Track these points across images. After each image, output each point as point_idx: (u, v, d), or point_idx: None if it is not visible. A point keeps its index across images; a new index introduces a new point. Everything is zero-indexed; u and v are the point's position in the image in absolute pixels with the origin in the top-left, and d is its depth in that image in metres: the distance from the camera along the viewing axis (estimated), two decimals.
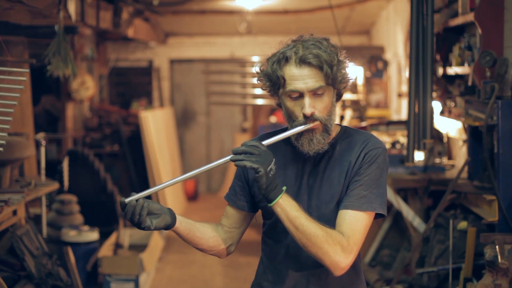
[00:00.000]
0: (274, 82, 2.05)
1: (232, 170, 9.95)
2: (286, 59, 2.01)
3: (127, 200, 1.96)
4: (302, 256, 2.09)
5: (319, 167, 2.10)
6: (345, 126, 2.18)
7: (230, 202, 2.24)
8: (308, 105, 2.00)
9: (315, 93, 2.01)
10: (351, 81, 2.11)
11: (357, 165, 2.05)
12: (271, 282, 2.17)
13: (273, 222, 2.14)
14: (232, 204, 2.23)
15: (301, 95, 2.01)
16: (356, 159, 2.06)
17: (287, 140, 2.09)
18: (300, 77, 1.99)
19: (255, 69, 2.14)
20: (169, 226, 2.05)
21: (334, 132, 2.13)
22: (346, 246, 1.95)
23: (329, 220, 2.05)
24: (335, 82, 2.03)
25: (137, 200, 1.96)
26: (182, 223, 2.11)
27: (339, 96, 2.14)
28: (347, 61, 2.08)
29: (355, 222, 2.00)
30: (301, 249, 2.04)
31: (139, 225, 1.98)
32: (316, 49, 1.99)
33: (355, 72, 2.18)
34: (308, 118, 2.01)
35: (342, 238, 1.96)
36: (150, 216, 2.00)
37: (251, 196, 2.21)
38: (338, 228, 2.00)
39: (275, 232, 2.14)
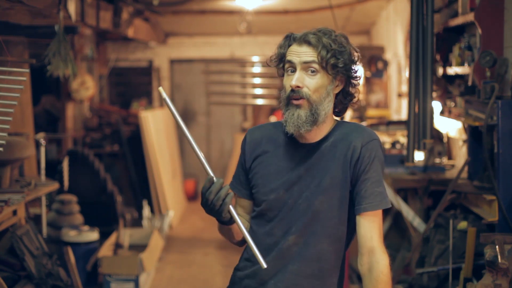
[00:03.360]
0: (279, 59, 2.13)
1: (232, 170, 9.95)
2: (293, 39, 2.10)
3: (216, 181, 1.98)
4: (284, 246, 2.11)
5: (312, 159, 2.12)
6: (341, 121, 2.21)
7: (235, 191, 2.26)
8: (296, 78, 2.06)
9: (307, 70, 2.05)
10: (354, 77, 2.12)
11: (354, 159, 2.08)
12: (250, 266, 2.20)
13: (261, 210, 2.17)
14: (238, 193, 2.26)
15: (295, 70, 2.07)
16: (352, 154, 2.08)
17: (280, 130, 2.17)
18: (297, 53, 2.07)
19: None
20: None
21: (330, 125, 2.16)
22: (387, 265, 2.04)
23: (318, 212, 2.08)
24: (327, 66, 2.05)
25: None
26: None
27: (347, 98, 2.15)
28: (355, 60, 2.11)
29: (378, 222, 2.07)
30: (283, 239, 2.10)
31: (220, 212, 2.00)
32: (321, 34, 2.06)
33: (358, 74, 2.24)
34: (293, 92, 2.06)
35: (383, 269, 2.03)
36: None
37: None
38: (364, 238, 2.06)
39: (261, 219, 2.17)
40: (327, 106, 2.09)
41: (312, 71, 2.05)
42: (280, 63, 2.13)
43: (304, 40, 2.06)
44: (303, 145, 2.14)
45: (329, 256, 2.12)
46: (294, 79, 2.05)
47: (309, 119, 2.06)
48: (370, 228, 2.06)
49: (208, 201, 1.99)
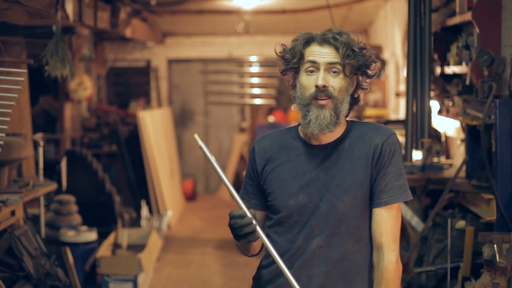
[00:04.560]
0: (293, 56, 2.10)
1: (230, 170, 9.95)
2: (312, 39, 2.09)
3: (246, 216, 1.96)
4: (308, 250, 2.10)
5: (330, 161, 2.11)
6: (352, 121, 2.21)
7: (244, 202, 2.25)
8: (322, 78, 2.04)
9: (331, 70, 2.05)
10: (366, 80, 2.15)
11: (375, 157, 2.09)
12: (275, 276, 2.17)
13: (281, 217, 2.14)
14: (246, 204, 2.24)
15: (316, 70, 2.06)
16: (374, 152, 2.09)
17: (295, 134, 2.16)
18: (320, 53, 2.06)
19: (278, 47, 2.17)
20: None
21: (344, 126, 2.16)
22: (397, 262, 2.07)
23: (342, 213, 2.08)
24: (349, 66, 2.06)
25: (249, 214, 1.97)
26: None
27: (355, 101, 2.17)
28: (371, 61, 2.11)
29: (395, 217, 2.09)
30: (306, 243, 2.09)
31: (247, 235, 1.98)
32: (342, 34, 2.07)
33: (375, 73, 2.31)
34: (319, 91, 2.05)
35: (392, 267, 2.06)
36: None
37: (263, 193, 2.21)
38: (375, 233, 2.09)
39: (281, 226, 2.15)
40: (346, 106, 2.11)
41: (335, 72, 2.06)
42: (294, 60, 2.10)
43: (326, 40, 2.05)
44: (318, 147, 2.13)
45: (354, 256, 2.11)
46: (320, 79, 2.04)
47: (333, 119, 2.06)
48: (381, 224, 2.09)
49: (233, 229, 1.99)
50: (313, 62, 2.05)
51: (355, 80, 2.13)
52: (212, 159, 1.96)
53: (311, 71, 2.07)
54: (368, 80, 2.15)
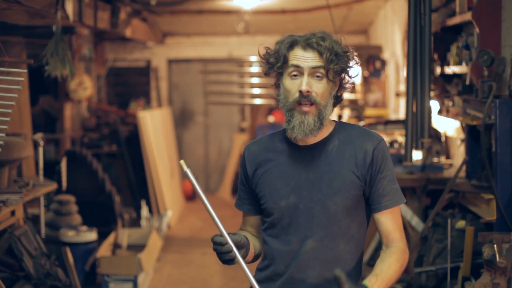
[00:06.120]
0: (277, 60, 2.09)
1: (230, 170, 9.96)
2: (295, 42, 2.08)
3: (226, 244, 2.02)
4: (302, 252, 2.10)
5: (319, 161, 2.11)
6: (340, 121, 2.21)
7: (238, 208, 2.30)
8: (306, 83, 2.04)
9: (314, 74, 2.05)
10: (348, 80, 2.15)
11: (367, 163, 2.10)
12: (270, 279, 2.18)
13: (273, 219, 2.15)
14: (240, 209, 2.29)
15: (300, 75, 2.06)
16: (364, 157, 2.10)
17: (282, 137, 2.18)
18: (303, 58, 2.05)
19: (260, 49, 2.17)
20: (246, 254, 2.15)
21: (331, 127, 2.17)
22: (405, 250, 2.11)
23: (333, 213, 2.09)
24: (332, 70, 2.06)
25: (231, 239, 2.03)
26: (252, 248, 2.20)
27: (338, 100, 2.18)
28: (353, 62, 2.12)
29: (398, 218, 2.13)
30: (299, 245, 2.09)
31: (228, 262, 2.07)
32: (324, 37, 2.06)
33: (356, 74, 2.31)
34: (303, 97, 2.05)
35: (401, 249, 2.09)
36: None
37: (255, 197, 2.22)
38: (385, 233, 2.12)
39: (274, 229, 2.16)
40: (330, 109, 2.11)
41: (318, 76, 2.05)
42: (278, 63, 2.09)
43: (309, 45, 2.04)
44: (305, 148, 2.13)
45: (347, 257, 2.12)
46: (304, 84, 2.04)
47: (317, 125, 2.07)
48: (389, 225, 2.11)
49: (216, 252, 2.07)
50: (297, 66, 2.05)
51: (338, 81, 2.13)
52: (198, 187, 2.01)
53: (295, 75, 2.07)
54: (350, 80, 2.16)
